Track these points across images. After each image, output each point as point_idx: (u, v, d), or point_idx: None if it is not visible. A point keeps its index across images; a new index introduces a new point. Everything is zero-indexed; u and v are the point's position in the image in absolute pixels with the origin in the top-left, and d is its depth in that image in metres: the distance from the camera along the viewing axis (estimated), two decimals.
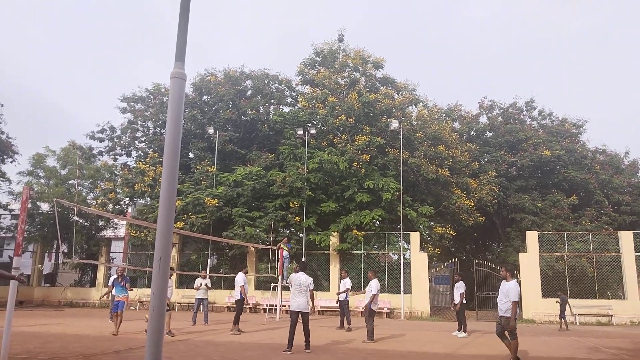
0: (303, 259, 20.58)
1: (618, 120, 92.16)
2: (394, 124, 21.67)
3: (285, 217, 21.62)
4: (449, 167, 23.70)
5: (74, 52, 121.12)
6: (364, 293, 13.06)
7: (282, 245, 18.50)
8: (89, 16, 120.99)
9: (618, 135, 79.25)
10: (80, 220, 26.24)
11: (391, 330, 14.55)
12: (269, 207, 22.08)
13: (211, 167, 23.42)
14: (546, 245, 21.25)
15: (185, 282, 24.24)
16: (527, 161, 26.52)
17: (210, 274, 19.75)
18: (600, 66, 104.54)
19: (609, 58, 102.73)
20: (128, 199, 25.35)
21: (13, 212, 27.46)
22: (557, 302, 16.84)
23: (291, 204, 21.72)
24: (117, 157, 27.42)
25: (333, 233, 21.83)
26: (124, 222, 26.04)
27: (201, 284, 15.75)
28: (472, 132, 29.75)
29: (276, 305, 18.39)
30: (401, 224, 21.13)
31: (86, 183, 27.09)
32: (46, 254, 28.59)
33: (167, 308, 11.37)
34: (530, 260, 20.31)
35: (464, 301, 13.83)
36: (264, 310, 20.25)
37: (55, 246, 27.51)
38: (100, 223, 27.26)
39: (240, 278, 13.68)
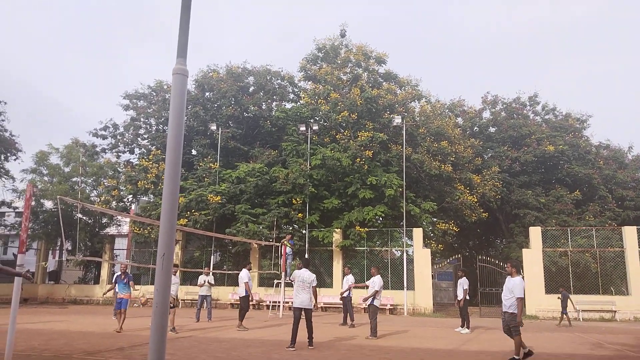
0: (306, 256, 20.60)
1: (622, 115, 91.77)
2: (397, 120, 21.61)
3: (288, 214, 21.62)
4: (452, 162, 23.64)
5: (77, 49, 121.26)
6: (365, 287, 13.06)
7: (285, 242, 18.51)
8: (91, 12, 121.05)
9: (622, 129, 78.95)
10: (84, 218, 26.30)
11: (394, 326, 14.55)
12: (272, 203, 22.09)
13: (214, 164, 23.43)
14: (549, 241, 21.20)
15: (188, 279, 24.30)
16: (530, 156, 26.43)
17: (214, 271, 19.78)
18: (604, 60, 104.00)
19: (613, 52, 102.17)
20: (131, 196, 25.42)
21: (17, 210, 27.57)
22: (558, 297, 16.80)
23: (294, 201, 21.71)
24: (120, 154, 27.54)
25: (336, 229, 21.83)
26: (128, 220, 26.11)
27: (204, 281, 15.77)
28: (475, 128, 29.66)
29: (279, 302, 18.42)
30: (404, 220, 21.11)
31: (89, 180, 27.14)
32: (50, 252, 28.69)
33: (171, 305, 11.39)
34: (533, 256, 20.27)
35: (467, 297, 13.81)
36: (267, 306, 20.28)
37: (59, 243, 27.59)
38: (104, 220, 27.33)
39: (244, 274, 13.66)
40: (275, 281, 19.80)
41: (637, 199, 26.03)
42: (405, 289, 20.34)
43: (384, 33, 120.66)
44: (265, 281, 23.09)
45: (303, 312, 9.64)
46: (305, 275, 9.76)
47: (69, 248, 26.70)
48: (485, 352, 9.79)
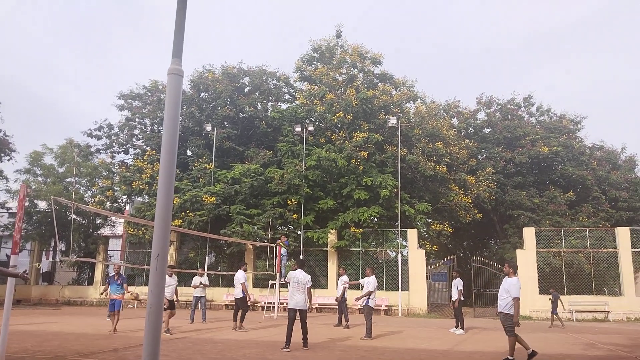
0: (301, 257, 20.59)
1: (615, 116, 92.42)
2: (392, 121, 21.67)
3: (283, 215, 21.61)
4: (446, 163, 23.72)
5: (71, 49, 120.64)
6: (359, 286, 13.10)
7: (280, 243, 18.49)
8: (86, 12, 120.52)
9: (615, 131, 79.44)
10: (78, 218, 26.18)
11: (389, 327, 14.58)
12: (267, 204, 22.07)
13: (209, 165, 23.38)
14: (543, 241, 21.32)
15: (183, 280, 24.22)
16: (524, 157, 26.56)
17: (208, 272, 19.73)
18: (598, 61, 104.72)
19: (609, 52, 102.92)
20: (126, 196, 25.32)
21: (10, 211, 27.40)
22: (549, 299, 16.84)
23: (289, 202, 21.71)
24: (114, 154, 27.41)
25: (331, 230, 21.84)
26: (122, 220, 25.99)
27: (199, 282, 15.72)
28: (470, 129, 29.78)
29: (274, 303, 18.39)
30: (399, 221, 21.15)
31: (84, 181, 27.01)
32: (44, 252, 28.53)
33: (165, 307, 11.34)
34: (527, 257, 20.37)
35: (462, 298, 13.86)
36: (262, 307, 20.26)
37: (52, 244, 27.44)
38: (98, 221, 27.20)
39: (240, 275, 13.63)
40: (270, 282, 19.78)
41: (630, 200, 26.21)
42: (399, 290, 20.37)
43: (379, 34, 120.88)
44: (260, 282, 23.07)
45: (298, 313, 9.65)
46: (300, 276, 9.77)
47: (63, 249, 26.54)
48: (480, 352, 9.83)
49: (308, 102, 24.54)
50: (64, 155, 26.60)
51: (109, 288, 12.58)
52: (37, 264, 26.43)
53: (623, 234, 20.19)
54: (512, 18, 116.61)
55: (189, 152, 26.02)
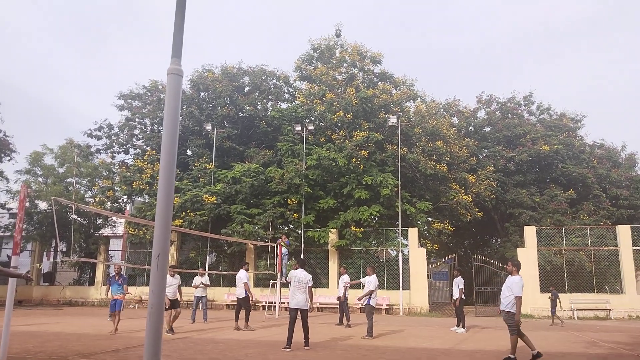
0: (302, 256, 20.58)
1: (615, 114, 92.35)
2: (392, 120, 21.64)
3: (284, 214, 21.60)
4: (447, 162, 23.70)
5: (71, 49, 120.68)
6: (361, 285, 13.10)
7: (281, 242, 18.49)
8: (84, 11, 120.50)
9: (615, 129, 79.50)
10: (79, 219, 26.18)
11: (390, 326, 14.57)
12: (268, 204, 22.07)
13: (209, 164, 23.37)
14: (544, 240, 21.30)
15: (184, 280, 24.19)
16: (525, 156, 26.53)
17: (209, 272, 19.73)
18: (598, 59, 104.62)
19: (608, 51, 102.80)
20: (126, 196, 25.31)
21: (11, 211, 27.41)
22: (549, 297, 16.82)
23: (289, 201, 21.70)
24: (114, 154, 27.41)
25: (331, 229, 21.83)
26: (123, 220, 26.01)
27: (200, 282, 15.72)
28: (470, 127, 29.75)
29: (275, 303, 18.39)
30: (399, 220, 21.14)
31: (84, 181, 27.03)
32: (45, 253, 28.54)
33: (166, 307, 11.33)
34: (528, 255, 20.35)
35: (463, 297, 13.85)
36: (263, 307, 20.26)
37: (53, 245, 27.45)
38: (99, 221, 27.21)
39: (243, 275, 13.59)
40: (271, 282, 19.77)
41: (630, 198, 26.20)
42: (401, 289, 20.37)
43: (379, 33, 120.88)
44: (261, 282, 23.06)
45: (299, 313, 9.64)
46: (301, 276, 9.76)
47: (64, 249, 26.55)
48: (481, 351, 9.82)
49: (308, 102, 24.52)
50: (64, 156, 26.60)
51: (110, 288, 12.57)
52: (38, 264, 26.45)
53: (624, 232, 20.17)
54: (513, 17, 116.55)
55: (189, 152, 26.02)
